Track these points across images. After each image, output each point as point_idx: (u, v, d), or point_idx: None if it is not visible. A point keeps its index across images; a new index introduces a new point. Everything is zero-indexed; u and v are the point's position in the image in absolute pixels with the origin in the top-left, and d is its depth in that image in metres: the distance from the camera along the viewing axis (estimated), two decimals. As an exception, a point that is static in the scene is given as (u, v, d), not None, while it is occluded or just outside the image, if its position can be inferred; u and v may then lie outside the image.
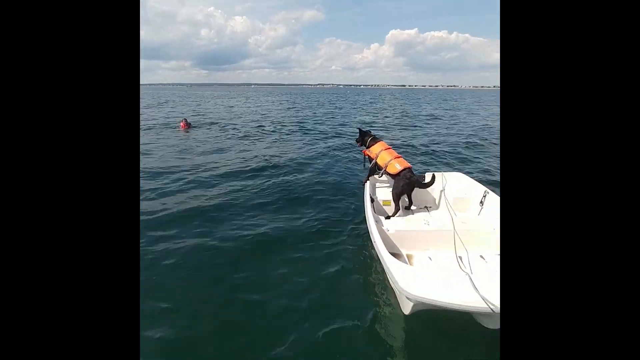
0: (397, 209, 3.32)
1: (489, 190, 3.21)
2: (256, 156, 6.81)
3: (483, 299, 1.58)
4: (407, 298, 1.77)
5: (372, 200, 3.43)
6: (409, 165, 3.37)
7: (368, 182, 3.64)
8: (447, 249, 2.67)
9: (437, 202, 3.59)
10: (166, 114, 17.64)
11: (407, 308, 1.91)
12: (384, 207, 3.52)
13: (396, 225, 2.97)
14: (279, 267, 2.70)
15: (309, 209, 3.98)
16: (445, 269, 2.43)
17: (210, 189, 4.62)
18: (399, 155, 3.52)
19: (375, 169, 3.62)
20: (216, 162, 6.27)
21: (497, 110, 22.58)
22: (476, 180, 3.53)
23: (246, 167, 5.86)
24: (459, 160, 7.02)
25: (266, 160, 6.43)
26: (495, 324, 1.73)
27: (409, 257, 2.67)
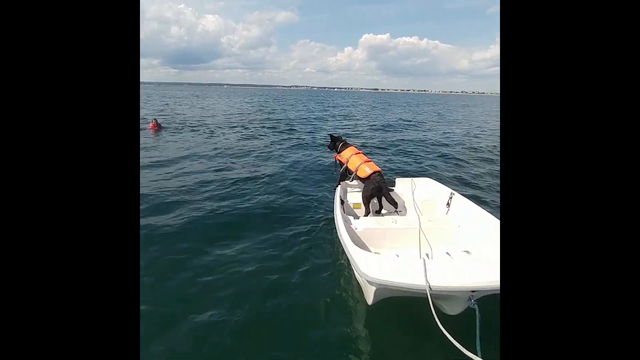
0: (367, 212, 3.38)
1: (454, 192, 3.33)
2: (229, 162, 6.65)
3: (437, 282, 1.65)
4: (369, 282, 1.81)
5: (342, 203, 3.48)
6: (378, 169, 3.45)
7: (339, 186, 3.70)
8: (414, 246, 2.74)
9: (405, 205, 3.67)
10: None
11: (370, 296, 1.96)
12: (355, 209, 3.57)
13: (364, 224, 3.00)
14: (245, 264, 2.74)
15: (281, 211, 4.00)
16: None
17: (177, 201, 4.29)
18: (369, 159, 3.60)
19: (346, 173, 3.67)
20: (185, 169, 5.93)
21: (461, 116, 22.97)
22: (442, 183, 3.74)
23: (217, 174, 5.58)
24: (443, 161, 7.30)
25: (238, 166, 6.29)
26: (454, 310, 1.81)
27: (377, 255, 2.71)
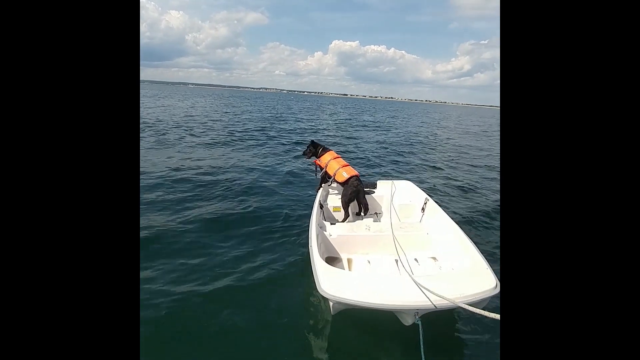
0: (346, 216, 3.43)
1: (429, 198, 3.45)
2: (193, 164, 6.30)
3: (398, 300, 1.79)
4: (324, 297, 1.89)
5: (322, 207, 3.50)
6: (356, 173, 3.52)
7: (321, 189, 3.72)
8: (385, 252, 2.82)
9: (383, 208, 3.76)
10: None
11: (330, 308, 2.03)
12: (334, 213, 3.62)
13: (339, 230, 3.05)
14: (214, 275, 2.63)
15: (252, 214, 3.94)
16: (382, 271, 2.60)
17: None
18: (347, 163, 3.65)
19: (326, 178, 3.72)
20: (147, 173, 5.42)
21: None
22: (420, 187, 3.81)
23: (174, 178, 5.21)
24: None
25: (207, 168, 6.03)
26: (407, 322, 1.89)
27: (349, 260, 2.78)
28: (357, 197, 3.45)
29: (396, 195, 3.76)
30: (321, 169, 3.76)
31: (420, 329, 1.75)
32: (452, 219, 2.86)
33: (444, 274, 2.35)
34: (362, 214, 3.55)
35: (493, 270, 2.02)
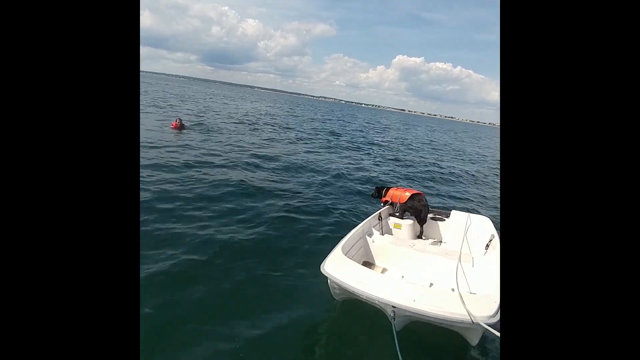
0: (400, 216, 3.88)
1: (495, 235, 3.44)
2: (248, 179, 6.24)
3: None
4: (322, 272, 2.25)
5: (381, 219, 3.81)
6: (419, 192, 3.99)
7: (385, 208, 4.02)
8: (421, 272, 2.98)
9: (448, 237, 3.89)
10: (153, 100, 17.91)
11: (330, 290, 2.40)
12: (394, 228, 3.84)
13: (382, 241, 3.30)
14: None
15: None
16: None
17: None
18: (408, 188, 4.33)
19: (393, 208, 4.11)
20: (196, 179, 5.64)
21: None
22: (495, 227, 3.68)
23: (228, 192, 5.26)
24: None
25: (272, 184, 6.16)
26: (389, 313, 2.07)
27: (383, 270, 3.11)
28: (416, 213, 3.73)
29: (470, 230, 3.68)
30: (387, 202, 4.13)
31: (393, 324, 1.99)
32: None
33: (441, 291, 2.43)
34: (420, 232, 3.78)
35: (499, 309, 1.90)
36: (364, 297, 2.11)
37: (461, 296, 2.02)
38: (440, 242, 3.86)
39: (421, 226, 3.92)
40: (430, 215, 4.02)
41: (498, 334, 1.64)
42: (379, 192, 4.41)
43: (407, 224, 3.83)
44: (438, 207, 4.39)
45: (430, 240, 3.85)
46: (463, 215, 4.05)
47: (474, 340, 2.16)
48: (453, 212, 4.13)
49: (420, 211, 3.81)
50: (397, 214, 3.97)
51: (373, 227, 3.56)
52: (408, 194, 3.89)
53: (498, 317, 1.87)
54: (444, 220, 4.02)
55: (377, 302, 2.07)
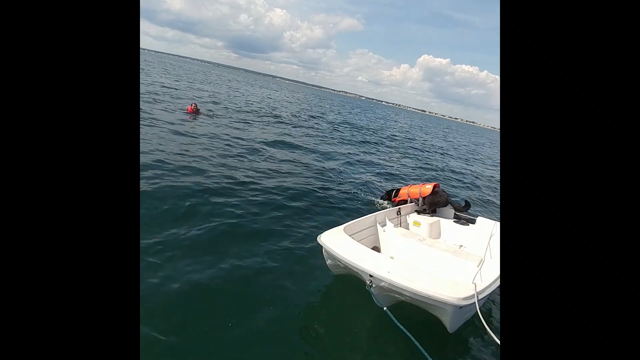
0: (421, 209, 3.96)
1: None
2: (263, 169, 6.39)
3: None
4: (319, 242, 2.42)
5: (399, 213, 3.82)
6: (435, 183, 4.10)
7: (408, 205, 4.08)
8: (431, 266, 3.01)
9: (469, 242, 3.78)
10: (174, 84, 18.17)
11: (325, 261, 2.53)
12: (412, 225, 3.87)
13: (393, 232, 3.35)
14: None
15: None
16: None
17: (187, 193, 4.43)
18: (419, 184, 4.24)
19: (417, 206, 4.14)
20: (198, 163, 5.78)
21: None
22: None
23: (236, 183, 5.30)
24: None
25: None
26: (367, 282, 2.20)
27: (390, 258, 3.04)
28: (443, 204, 3.80)
29: (494, 238, 3.57)
30: (401, 201, 4.24)
31: (371, 290, 2.15)
32: None
33: (423, 272, 2.39)
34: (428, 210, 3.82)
35: (479, 300, 1.99)
36: (348, 265, 2.27)
37: (439, 278, 2.18)
38: (460, 246, 3.82)
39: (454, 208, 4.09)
40: (453, 220, 4.14)
41: (491, 331, 1.80)
42: (388, 194, 4.60)
43: (427, 222, 3.92)
44: (465, 211, 4.27)
45: (449, 242, 3.84)
46: (490, 222, 3.97)
47: (450, 326, 2.22)
48: (479, 219, 4.09)
49: (445, 202, 4.04)
50: (425, 208, 4.02)
51: (389, 219, 3.62)
52: (429, 187, 3.97)
53: (471, 301, 1.96)
54: (468, 225, 4.01)
55: (356, 269, 2.25)
